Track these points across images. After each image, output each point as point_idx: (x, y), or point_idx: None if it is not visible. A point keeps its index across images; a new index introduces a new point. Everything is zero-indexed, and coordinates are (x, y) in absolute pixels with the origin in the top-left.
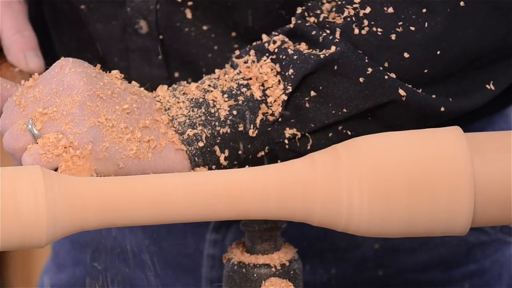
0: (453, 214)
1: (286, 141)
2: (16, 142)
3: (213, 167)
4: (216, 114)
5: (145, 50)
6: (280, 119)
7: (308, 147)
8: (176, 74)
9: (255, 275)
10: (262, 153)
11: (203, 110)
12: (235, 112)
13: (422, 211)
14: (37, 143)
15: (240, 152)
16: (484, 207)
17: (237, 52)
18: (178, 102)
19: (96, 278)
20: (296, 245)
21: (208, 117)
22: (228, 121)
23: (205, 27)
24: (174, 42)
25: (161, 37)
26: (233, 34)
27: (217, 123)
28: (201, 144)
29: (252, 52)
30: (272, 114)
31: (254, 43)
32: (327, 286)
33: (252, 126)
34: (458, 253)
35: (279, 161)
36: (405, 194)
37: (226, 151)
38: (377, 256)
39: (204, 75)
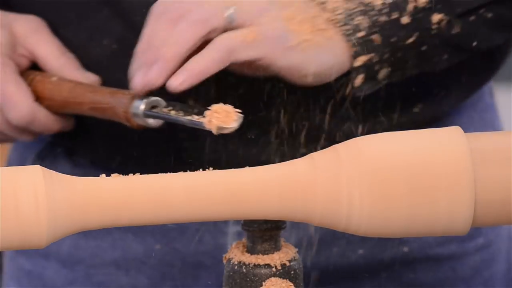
0: (454, 214)
1: (433, 27)
2: (209, 22)
3: (371, 55)
4: (371, 4)
5: None
6: (428, 6)
7: (455, 31)
8: None
9: (255, 275)
10: (411, 39)
11: (358, 2)
12: (388, 1)
13: (423, 211)
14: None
15: (393, 39)
16: (484, 207)
17: None
18: None
19: None
20: (323, 228)
21: (365, 7)
22: (384, 10)
23: None
24: None
25: None
26: None
27: (372, 13)
28: (361, 34)
29: None
30: (422, 1)
31: None
32: (355, 266)
33: (405, 13)
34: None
35: (423, 48)
36: (406, 194)
37: (382, 39)
38: None
39: None
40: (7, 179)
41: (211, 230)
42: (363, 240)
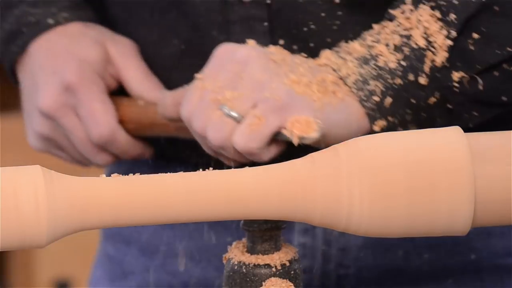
0: (454, 214)
1: (456, 84)
2: (222, 132)
3: (389, 118)
4: (386, 67)
5: (248, 19)
6: (447, 64)
7: (480, 88)
8: (281, 42)
9: (255, 275)
10: (433, 99)
11: (373, 65)
12: (403, 63)
13: (423, 211)
14: (240, 123)
15: (413, 100)
16: (484, 207)
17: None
18: (346, 62)
19: (172, 282)
20: None
21: (379, 71)
22: (399, 72)
23: None
24: (281, 8)
25: (268, 1)
26: (337, 1)
27: (388, 76)
28: (376, 98)
29: (408, 0)
30: (439, 60)
31: None
32: (420, 271)
33: (422, 74)
34: None
35: (449, 106)
36: (406, 194)
37: (400, 101)
38: (469, 240)
39: (309, 43)
40: (7, 179)
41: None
42: (430, 245)
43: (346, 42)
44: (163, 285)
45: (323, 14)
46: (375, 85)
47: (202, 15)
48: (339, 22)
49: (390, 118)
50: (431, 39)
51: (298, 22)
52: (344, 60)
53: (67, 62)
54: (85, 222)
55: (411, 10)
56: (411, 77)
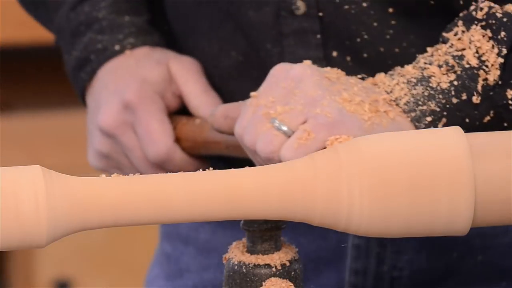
0: (454, 213)
1: (510, 102)
2: (271, 145)
3: None
4: (438, 88)
5: (301, 32)
6: (500, 82)
7: None
8: (334, 54)
9: (255, 275)
10: (488, 117)
11: (425, 86)
12: (456, 83)
13: (423, 210)
14: (289, 137)
15: (467, 120)
16: (484, 207)
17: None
18: (398, 84)
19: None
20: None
21: (431, 92)
22: (452, 92)
23: (364, 4)
24: (333, 20)
25: (320, 14)
26: (391, 10)
27: (441, 96)
28: (429, 119)
29: (460, 23)
30: (491, 79)
31: (460, 14)
32: (472, 272)
33: (475, 93)
34: None
35: (505, 124)
36: (406, 194)
37: (453, 121)
38: None
39: (362, 54)
40: (7, 179)
41: None
42: (484, 246)
43: (399, 51)
44: (219, 284)
45: (375, 24)
46: (428, 106)
47: (256, 28)
48: (392, 32)
49: None
50: (483, 58)
51: (350, 33)
52: (397, 82)
53: (129, 82)
54: (85, 222)
55: (463, 32)
56: (464, 96)
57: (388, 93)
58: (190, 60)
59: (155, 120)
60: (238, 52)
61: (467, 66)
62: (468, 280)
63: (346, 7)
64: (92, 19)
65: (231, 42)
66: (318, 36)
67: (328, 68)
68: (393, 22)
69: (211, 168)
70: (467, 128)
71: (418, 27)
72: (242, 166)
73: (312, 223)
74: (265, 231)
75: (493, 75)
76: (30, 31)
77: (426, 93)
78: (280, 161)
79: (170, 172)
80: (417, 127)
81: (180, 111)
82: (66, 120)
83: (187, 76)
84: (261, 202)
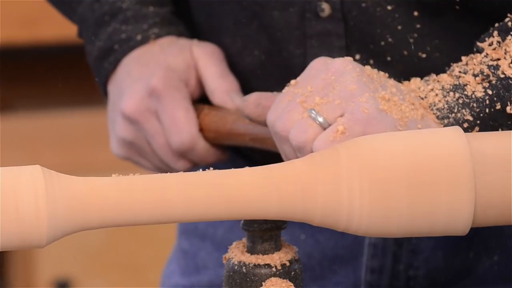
0: (454, 213)
1: None
2: (306, 134)
3: None
4: (473, 96)
5: (324, 34)
6: None
7: None
8: (357, 56)
9: (255, 275)
10: None
11: (459, 94)
12: (490, 92)
13: (423, 211)
14: (324, 129)
15: (500, 130)
16: (484, 207)
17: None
18: (433, 90)
19: None
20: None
21: (466, 100)
22: (486, 102)
23: (389, 7)
24: (358, 23)
25: (345, 16)
26: (416, 13)
27: (475, 105)
28: (464, 126)
29: (495, 33)
30: None
31: (496, 25)
32: (489, 272)
33: (509, 103)
34: None
35: None
36: (406, 194)
37: (486, 131)
38: None
39: (386, 57)
40: (7, 179)
41: None
42: (500, 246)
43: (423, 55)
44: None
45: (399, 27)
46: (462, 114)
47: (280, 28)
48: (416, 35)
49: None
50: None
51: (375, 36)
52: (432, 88)
53: (154, 69)
54: (85, 222)
55: (498, 42)
56: (498, 106)
57: (422, 99)
58: (213, 46)
59: (180, 108)
60: (261, 51)
61: (502, 76)
62: (484, 280)
63: (371, 9)
64: (116, 9)
65: (255, 41)
66: (342, 39)
67: (368, 67)
68: (417, 25)
69: (211, 168)
70: None
71: (442, 31)
72: (263, 159)
73: (312, 223)
74: (265, 231)
75: None
76: (30, 31)
77: (460, 101)
78: (312, 152)
79: (191, 161)
80: None
81: (203, 99)
82: (66, 120)
83: (207, 60)
84: (261, 202)
